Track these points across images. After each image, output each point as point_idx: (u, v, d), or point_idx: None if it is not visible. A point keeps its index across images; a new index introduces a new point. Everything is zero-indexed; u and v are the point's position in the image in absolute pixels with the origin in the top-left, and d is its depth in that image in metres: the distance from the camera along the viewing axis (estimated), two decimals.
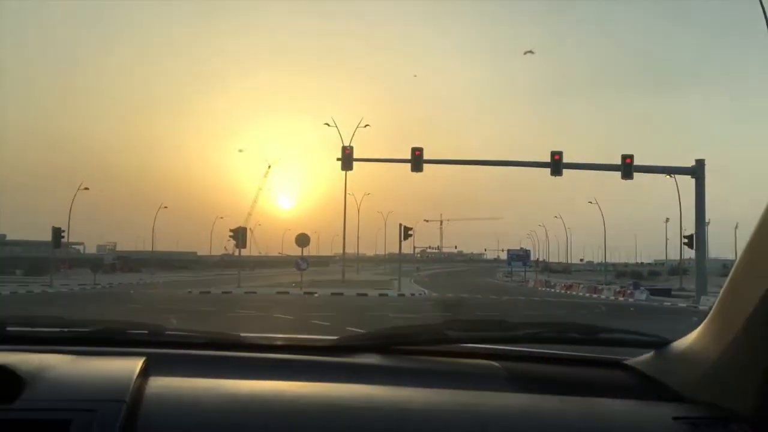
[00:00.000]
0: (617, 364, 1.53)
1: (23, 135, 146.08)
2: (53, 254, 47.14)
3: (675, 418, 1.19)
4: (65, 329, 1.64)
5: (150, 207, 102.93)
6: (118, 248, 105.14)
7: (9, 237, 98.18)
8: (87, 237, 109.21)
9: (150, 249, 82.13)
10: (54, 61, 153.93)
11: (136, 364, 1.25)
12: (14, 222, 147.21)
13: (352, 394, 1.26)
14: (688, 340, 1.38)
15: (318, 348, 1.58)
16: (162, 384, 1.21)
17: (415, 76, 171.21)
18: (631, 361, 1.51)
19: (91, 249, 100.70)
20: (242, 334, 1.66)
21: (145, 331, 1.65)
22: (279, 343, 1.61)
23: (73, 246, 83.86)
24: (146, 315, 19.51)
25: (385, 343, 1.61)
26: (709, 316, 1.31)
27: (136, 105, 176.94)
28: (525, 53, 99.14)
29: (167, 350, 1.48)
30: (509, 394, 1.34)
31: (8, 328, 1.63)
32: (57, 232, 42.89)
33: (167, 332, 1.64)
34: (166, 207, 78.40)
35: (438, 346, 1.60)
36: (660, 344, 1.47)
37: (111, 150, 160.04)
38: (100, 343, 1.55)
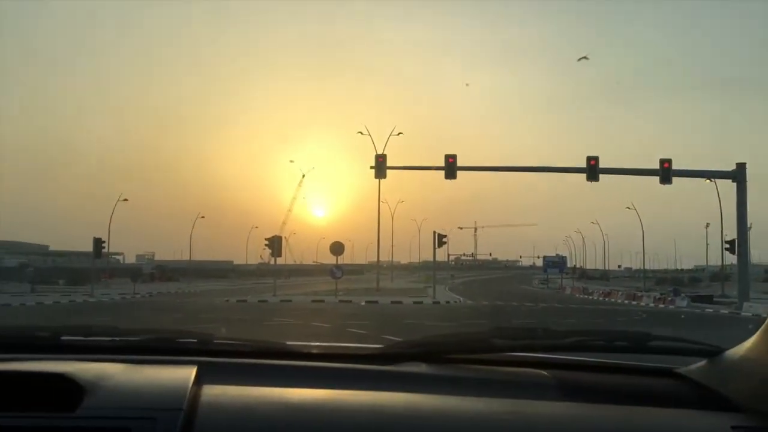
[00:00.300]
0: (668, 373, 1.50)
1: (65, 149, 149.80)
2: (94, 264, 48.08)
3: (734, 428, 1.17)
4: (117, 338, 1.68)
5: (187, 217, 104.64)
6: (157, 258, 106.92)
7: (52, 248, 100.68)
8: (126, 247, 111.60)
9: (187, 258, 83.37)
10: (95, 75, 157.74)
11: (190, 373, 1.27)
12: (57, 233, 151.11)
13: (400, 403, 1.26)
14: (744, 347, 1.35)
15: (363, 356, 1.58)
16: (215, 392, 1.23)
17: (467, 84, 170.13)
18: (683, 369, 1.48)
19: (130, 259, 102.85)
20: (287, 343, 1.68)
21: (194, 340, 1.67)
22: (324, 351, 1.62)
23: (114, 256, 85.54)
24: (186, 323, 19.77)
25: (431, 351, 1.60)
26: (766, 322, 1.28)
27: (173, 117, 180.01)
28: (579, 59, 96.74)
29: (216, 359, 1.50)
30: (559, 403, 1.32)
31: (62, 338, 1.67)
32: (98, 243, 43.72)
33: (215, 341, 1.66)
34: (203, 217, 79.66)
35: (484, 355, 1.59)
36: (714, 352, 1.44)
37: (149, 162, 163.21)
38: (152, 352, 1.57)
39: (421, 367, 1.50)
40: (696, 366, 1.46)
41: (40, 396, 1.13)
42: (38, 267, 69.17)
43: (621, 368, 1.56)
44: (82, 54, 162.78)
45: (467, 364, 1.55)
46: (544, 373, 1.49)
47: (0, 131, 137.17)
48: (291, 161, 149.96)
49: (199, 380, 1.26)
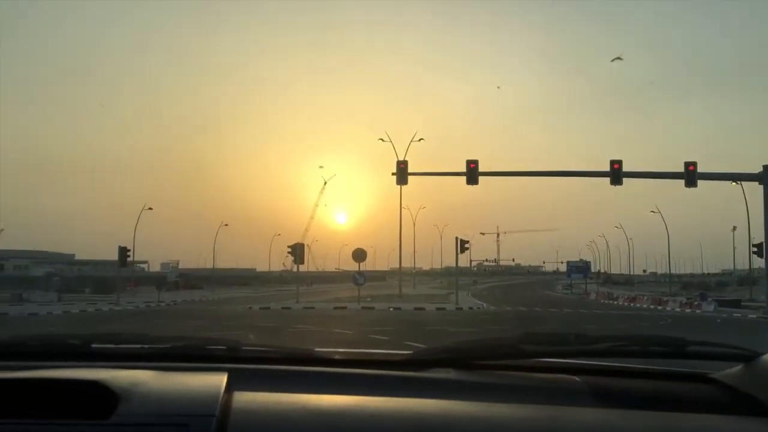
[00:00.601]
0: (703, 378, 1.47)
1: (90, 159, 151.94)
2: (119, 273, 48.62)
3: None
4: (147, 345, 1.69)
5: (211, 225, 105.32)
6: (181, 266, 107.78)
7: (78, 256, 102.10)
8: (151, 256, 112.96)
9: (211, 266, 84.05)
10: (120, 84, 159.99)
11: (222, 380, 1.28)
12: (83, 242, 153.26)
13: (431, 409, 1.26)
14: None
15: (392, 362, 1.57)
16: (246, 399, 1.23)
17: (498, 87, 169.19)
18: (718, 374, 1.45)
19: (155, 267, 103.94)
20: (316, 349, 1.68)
21: (224, 347, 1.68)
22: (353, 357, 1.61)
23: (139, 264, 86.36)
24: (210, 331, 19.92)
25: (461, 357, 1.59)
26: None
27: (197, 126, 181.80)
28: (613, 60, 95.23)
29: (246, 365, 1.50)
30: (592, 409, 1.31)
31: (93, 345, 1.69)
32: (123, 252, 44.18)
33: (245, 347, 1.66)
34: (226, 225, 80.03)
35: (514, 361, 1.57)
36: (750, 357, 1.41)
37: (173, 171, 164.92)
38: (182, 359, 1.58)
39: (450, 374, 1.49)
40: (731, 371, 1.44)
41: (75, 403, 1.14)
42: (65, 276, 70.18)
43: (654, 374, 1.54)
44: (107, 63, 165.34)
45: (497, 370, 1.53)
46: (576, 379, 1.47)
47: (26, 143, 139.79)
48: (321, 167, 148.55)
49: (230, 387, 1.26)
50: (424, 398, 1.30)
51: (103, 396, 1.15)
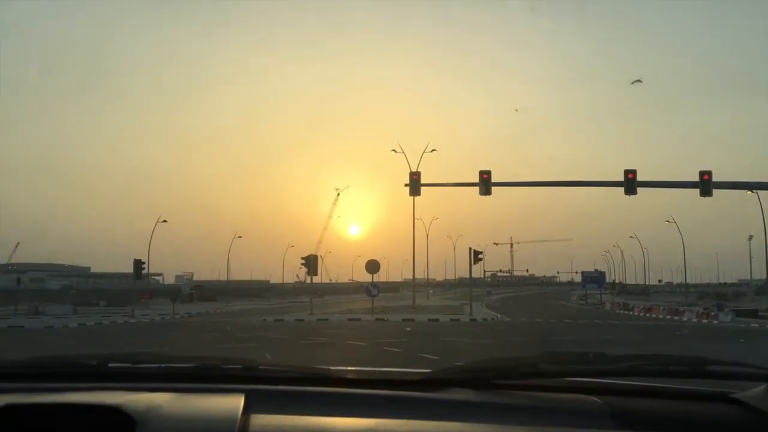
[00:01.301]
0: (726, 398, 1.45)
1: (105, 173, 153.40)
2: (135, 285, 48.88)
3: None
4: (164, 365, 1.70)
5: (225, 237, 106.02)
6: (195, 278, 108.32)
7: (94, 269, 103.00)
8: (166, 268, 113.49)
9: (225, 278, 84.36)
10: (134, 98, 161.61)
11: (239, 402, 1.28)
12: (99, 255, 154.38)
13: None
14: None
15: (411, 382, 1.56)
16: (263, 422, 1.23)
17: (516, 110, 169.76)
18: (741, 394, 1.43)
19: (169, 279, 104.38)
20: (332, 368, 1.67)
21: (240, 366, 1.68)
22: (369, 377, 1.60)
23: (154, 277, 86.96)
24: (225, 343, 19.95)
25: (478, 377, 1.58)
26: None
27: (209, 138, 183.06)
28: (633, 83, 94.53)
29: (262, 386, 1.50)
30: None
31: (110, 365, 1.70)
32: (138, 264, 44.46)
33: (261, 367, 1.66)
34: (239, 237, 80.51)
35: (534, 380, 1.56)
36: None
37: (187, 183, 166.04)
38: (199, 379, 1.59)
39: (468, 394, 1.48)
40: (756, 391, 1.42)
41: (93, 428, 1.15)
42: (80, 289, 70.67)
43: (675, 393, 1.52)
44: (123, 76, 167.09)
45: (516, 390, 1.52)
46: (596, 399, 1.45)
47: (43, 158, 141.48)
48: (337, 189, 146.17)
49: (247, 409, 1.26)
50: (444, 420, 1.30)
51: (121, 421, 1.15)
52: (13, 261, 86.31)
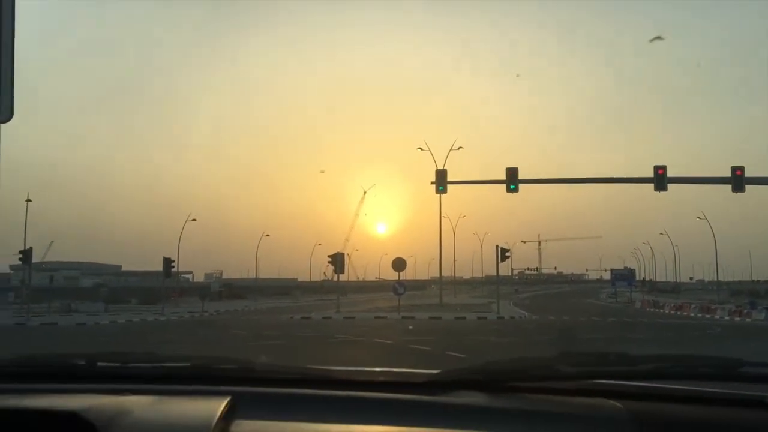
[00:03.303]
0: (760, 403, 1.32)
1: (137, 172, 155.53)
2: (164, 283, 49.47)
3: None
4: (153, 364, 1.64)
5: (254, 236, 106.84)
6: (224, 276, 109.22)
7: (124, 268, 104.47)
8: (196, 266, 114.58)
9: (254, 276, 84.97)
10: (164, 97, 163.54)
11: (220, 405, 1.21)
12: (130, 253, 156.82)
13: None
14: None
15: (416, 384, 1.45)
16: (248, 428, 1.17)
17: (517, 75, 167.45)
18: None
19: (199, 278, 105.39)
20: (333, 368, 1.58)
21: (234, 367, 1.60)
22: (371, 378, 1.50)
23: (183, 275, 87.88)
24: (251, 341, 20.09)
25: (489, 379, 1.47)
26: None
27: (236, 137, 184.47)
28: (652, 40, 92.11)
29: (255, 388, 1.42)
30: None
31: (99, 364, 1.65)
32: (167, 263, 44.98)
33: (255, 368, 1.57)
34: (267, 235, 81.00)
35: (549, 383, 1.45)
36: None
37: (216, 182, 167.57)
38: (188, 379, 1.51)
39: (479, 398, 1.38)
40: None
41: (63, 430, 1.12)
42: (112, 287, 71.73)
43: (705, 398, 1.38)
44: (149, 74, 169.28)
45: (531, 394, 1.42)
46: (618, 404, 1.34)
47: (75, 159, 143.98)
48: (322, 171, 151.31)
49: (232, 412, 1.20)
50: (451, 427, 1.21)
51: (84, 426, 1.11)
52: (46, 259, 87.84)
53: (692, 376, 1.43)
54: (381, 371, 1.56)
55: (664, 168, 28.76)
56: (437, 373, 1.50)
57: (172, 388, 1.44)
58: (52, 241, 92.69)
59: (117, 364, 1.66)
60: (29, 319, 34.70)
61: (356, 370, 1.56)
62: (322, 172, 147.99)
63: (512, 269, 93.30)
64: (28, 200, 48.09)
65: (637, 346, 18.25)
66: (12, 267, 70.65)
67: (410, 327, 26.33)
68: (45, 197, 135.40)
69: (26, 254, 37.62)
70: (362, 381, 1.49)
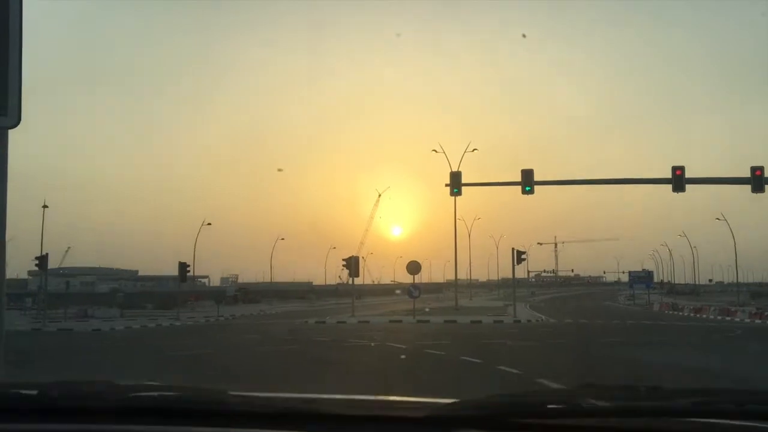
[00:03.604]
0: None
1: (152, 177, 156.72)
2: (180, 288, 49.65)
3: None
4: (113, 398, 1.45)
5: (269, 239, 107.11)
6: (240, 280, 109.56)
7: (141, 272, 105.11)
8: (211, 270, 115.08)
9: (269, 280, 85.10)
10: (179, 100, 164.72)
11: None
12: (146, 258, 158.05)
13: None
14: None
15: (410, 420, 1.26)
16: None
17: (523, 35, 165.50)
18: None
19: (215, 282, 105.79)
20: (321, 397, 1.39)
21: (203, 401, 1.40)
22: (365, 412, 1.32)
23: (199, 279, 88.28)
24: (266, 345, 20.01)
25: (498, 414, 1.28)
26: None
27: (252, 141, 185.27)
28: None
29: (226, 429, 1.23)
30: None
31: (52, 396, 1.46)
32: (183, 267, 45.07)
33: (228, 401, 1.38)
34: (282, 239, 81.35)
35: (569, 420, 1.26)
36: None
37: (231, 186, 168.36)
38: (154, 416, 1.33)
39: None
40: None
41: None
42: (128, 292, 72.13)
43: None
44: (165, 79, 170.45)
45: None
46: None
47: (91, 166, 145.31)
48: (279, 170, 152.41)
49: None
50: None
51: None
52: (63, 265, 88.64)
53: (740, 416, 1.22)
54: (376, 401, 1.39)
55: (682, 169, 28.41)
56: (438, 407, 1.31)
57: (133, 428, 1.27)
58: (69, 247, 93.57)
59: (72, 401, 1.46)
60: (46, 325, 34.93)
61: (347, 401, 1.37)
62: (280, 170, 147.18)
63: (528, 271, 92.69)
64: (45, 206, 48.53)
65: (658, 351, 17.95)
66: (30, 273, 71.26)
67: (424, 332, 26.16)
68: (61, 203, 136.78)
69: (42, 260, 37.87)
70: (350, 416, 1.30)
